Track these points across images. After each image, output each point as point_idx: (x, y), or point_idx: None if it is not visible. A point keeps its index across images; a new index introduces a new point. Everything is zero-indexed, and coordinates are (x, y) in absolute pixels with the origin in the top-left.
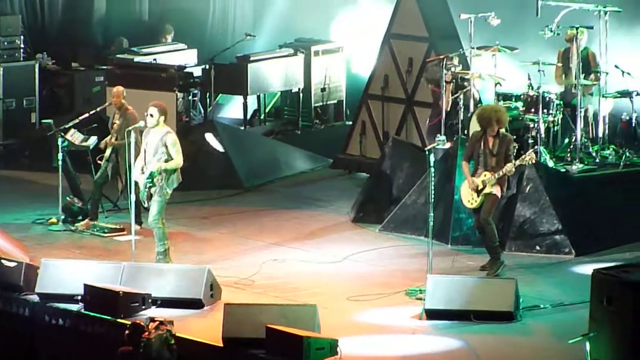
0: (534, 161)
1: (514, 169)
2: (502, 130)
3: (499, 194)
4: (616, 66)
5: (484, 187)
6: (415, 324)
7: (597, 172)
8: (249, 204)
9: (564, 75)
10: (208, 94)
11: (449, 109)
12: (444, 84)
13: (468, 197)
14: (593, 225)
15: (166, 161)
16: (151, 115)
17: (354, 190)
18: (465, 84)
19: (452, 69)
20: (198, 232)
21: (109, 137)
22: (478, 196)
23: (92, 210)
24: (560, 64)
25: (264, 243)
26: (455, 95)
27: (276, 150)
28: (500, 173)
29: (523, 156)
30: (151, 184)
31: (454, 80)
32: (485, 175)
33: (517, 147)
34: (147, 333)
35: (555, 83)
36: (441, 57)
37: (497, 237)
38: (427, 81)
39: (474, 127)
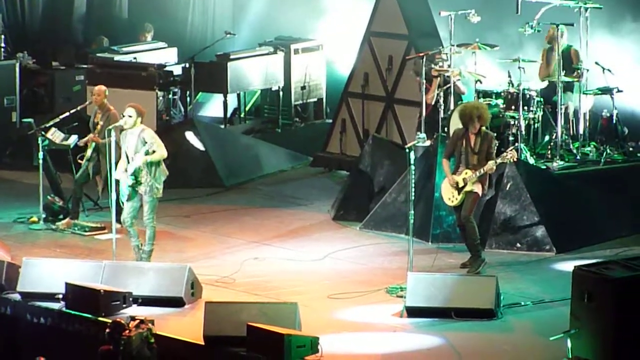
0: (515, 159)
1: (494, 167)
2: (484, 128)
3: (480, 192)
4: (597, 63)
5: (465, 184)
6: (395, 322)
7: (578, 169)
8: (230, 203)
9: (547, 68)
10: (188, 92)
11: (433, 103)
12: (431, 78)
13: (448, 195)
14: (574, 222)
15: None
16: (129, 117)
17: (334, 188)
18: (451, 78)
19: (440, 64)
20: (179, 230)
21: (91, 134)
22: (459, 194)
23: (73, 209)
24: (543, 62)
25: (245, 241)
26: (436, 92)
27: (256, 149)
28: (482, 171)
29: (504, 154)
30: (135, 181)
31: (440, 75)
32: (466, 173)
33: (497, 144)
34: (127, 331)
35: (539, 79)
36: (421, 54)
37: (478, 235)
38: (415, 74)
39: (455, 124)
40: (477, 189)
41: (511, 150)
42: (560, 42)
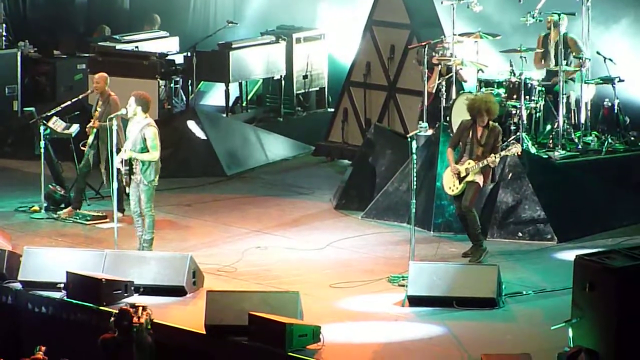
0: (519, 154)
1: (497, 160)
2: (492, 121)
3: (481, 183)
4: (598, 52)
5: (467, 174)
6: (397, 311)
7: (580, 158)
8: (231, 192)
9: (542, 60)
10: (190, 81)
11: (434, 91)
12: (432, 67)
13: (449, 184)
14: (575, 211)
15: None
16: (129, 105)
17: (336, 177)
18: (453, 67)
19: (442, 52)
20: (181, 219)
21: (92, 121)
22: (460, 183)
23: (75, 199)
24: (540, 50)
25: (247, 230)
26: (438, 82)
27: (258, 138)
28: (485, 162)
29: (509, 148)
30: (129, 170)
31: (441, 64)
32: (469, 163)
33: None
34: (136, 318)
35: (535, 68)
36: (423, 43)
37: (478, 224)
38: (418, 63)
39: (457, 113)
40: (479, 179)
41: (515, 143)
42: (558, 30)
